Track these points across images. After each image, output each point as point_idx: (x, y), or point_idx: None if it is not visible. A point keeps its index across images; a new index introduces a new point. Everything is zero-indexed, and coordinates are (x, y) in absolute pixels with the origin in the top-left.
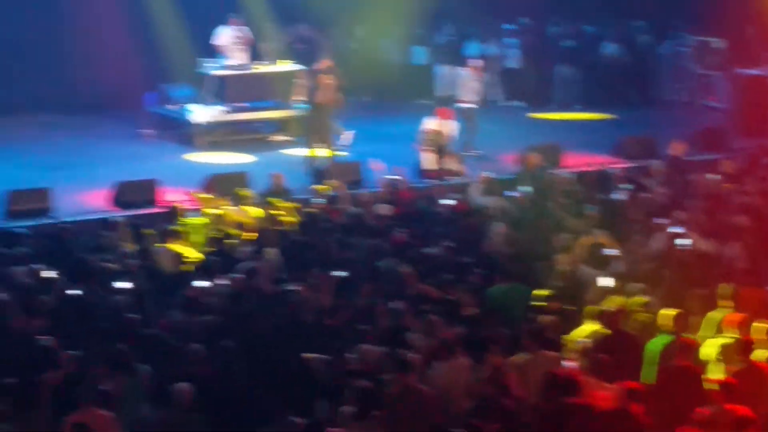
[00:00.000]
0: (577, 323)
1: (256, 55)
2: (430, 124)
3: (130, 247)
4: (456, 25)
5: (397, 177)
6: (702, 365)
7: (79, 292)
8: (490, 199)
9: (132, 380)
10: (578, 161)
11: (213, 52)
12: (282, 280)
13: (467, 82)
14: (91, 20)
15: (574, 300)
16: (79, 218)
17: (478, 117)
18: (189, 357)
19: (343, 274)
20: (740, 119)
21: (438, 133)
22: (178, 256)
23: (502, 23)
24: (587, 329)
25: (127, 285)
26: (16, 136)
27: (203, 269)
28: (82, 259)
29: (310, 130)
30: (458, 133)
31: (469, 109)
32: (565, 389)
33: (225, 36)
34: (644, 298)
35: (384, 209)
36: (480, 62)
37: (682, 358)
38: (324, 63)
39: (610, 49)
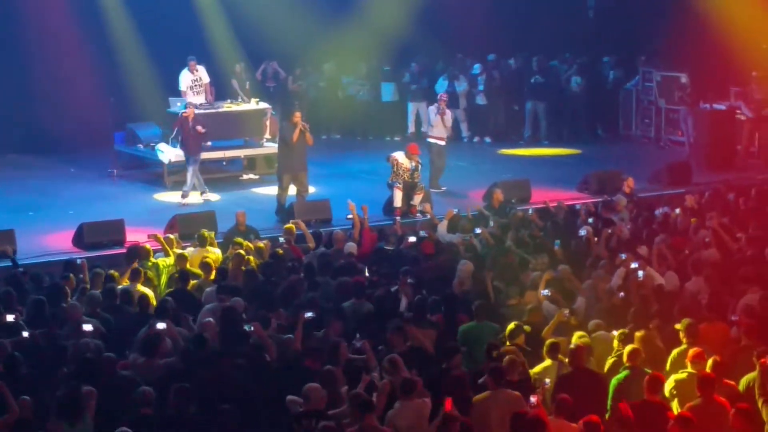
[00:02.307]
0: (540, 361)
1: (225, 94)
2: (399, 160)
3: (93, 288)
4: (424, 61)
5: (363, 215)
6: (666, 400)
7: (37, 334)
8: (456, 236)
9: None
10: (545, 197)
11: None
12: (244, 320)
13: (435, 119)
14: (57, 60)
15: (538, 337)
16: (42, 260)
17: (446, 153)
18: (138, 400)
19: (310, 314)
20: (705, 154)
21: (407, 170)
22: (143, 297)
23: (470, 59)
24: (549, 366)
25: (90, 327)
26: None
27: (166, 310)
28: (42, 301)
29: (280, 168)
30: (427, 170)
31: (437, 145)
32: (530, 429)
33: (185, 80)
34: (607, 334)
35: (351, 248)
36: (447, 98)
37: (650, 394)
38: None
39: (576, 84)
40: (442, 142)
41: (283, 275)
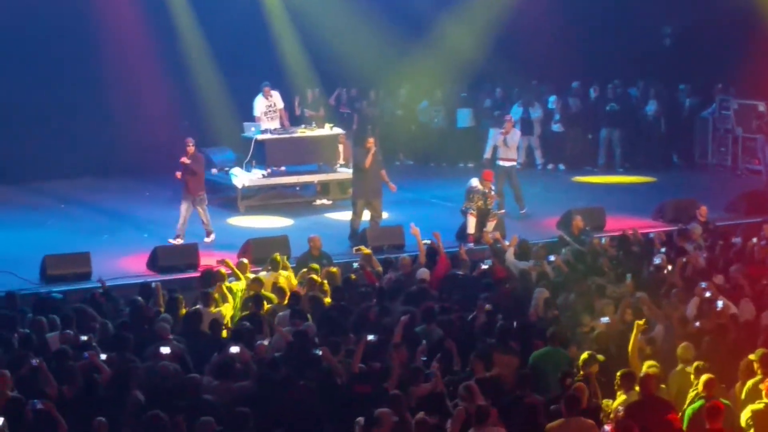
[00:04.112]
0: (614, 389)
1: (300, 120)
2: (474, 186)
3: (167, 311)
4: (501, 88)
5: (436, 241)
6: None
7: (112, 357)
8: (526, 263)
9: None
10: (620, 225)
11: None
12: (315, 345)
13: (507, 143)
14: (133, 84)
15: (613, 365)
16: (117, 282)
17: (518, 177)
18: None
19: (371, 337)
20: None
21: (482, 196)
22: (216, 321)
23: (545, 86)
24: (623, 395)
25: (167, 349)
26: (58, 199)
27: (239, 334)
28: (118, 324)
29: (354, 193)
30: (501, 195)
31: (503, 167)
32: None
33: (259, 105)
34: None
35: (424, 274)
36: (511, 119)
37: (711, 422)
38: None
39: (652, 112)
40: (508, 164)
41: (355, 300)
